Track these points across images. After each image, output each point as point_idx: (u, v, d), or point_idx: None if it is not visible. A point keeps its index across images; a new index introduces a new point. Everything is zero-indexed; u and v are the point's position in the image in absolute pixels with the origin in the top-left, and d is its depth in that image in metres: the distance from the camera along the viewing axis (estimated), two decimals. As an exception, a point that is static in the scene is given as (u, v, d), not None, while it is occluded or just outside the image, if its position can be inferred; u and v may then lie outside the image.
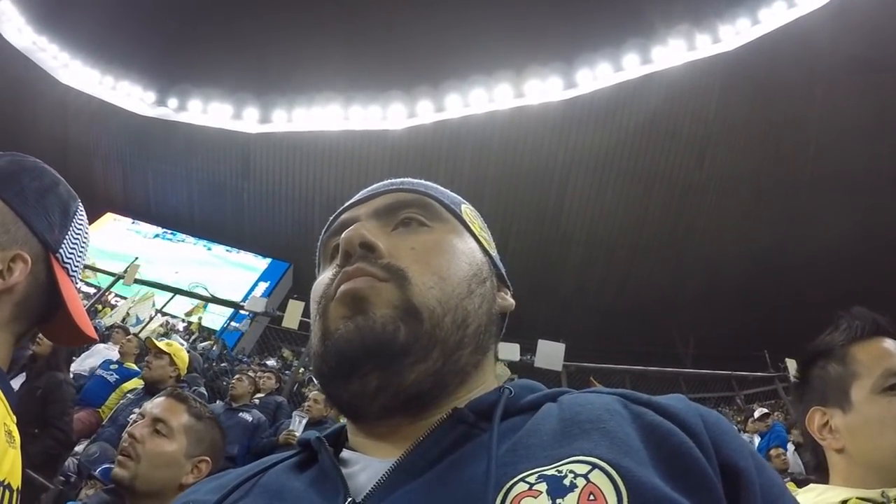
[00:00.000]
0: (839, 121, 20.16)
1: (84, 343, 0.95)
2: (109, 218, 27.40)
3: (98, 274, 13.24)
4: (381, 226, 0.64)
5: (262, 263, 26.48)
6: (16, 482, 0.81)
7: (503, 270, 0.75)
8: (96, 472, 2.59)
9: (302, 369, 12.06)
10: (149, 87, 25.98)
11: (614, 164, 22.73)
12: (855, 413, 1.08)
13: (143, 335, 9.91)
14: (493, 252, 0.74)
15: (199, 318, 16.64)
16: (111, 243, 25.18)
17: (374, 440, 0.58)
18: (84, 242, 0.98)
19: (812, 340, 1.22)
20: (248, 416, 5.10)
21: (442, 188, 0.77)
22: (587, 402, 0.54)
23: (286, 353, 20.28)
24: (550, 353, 8.67)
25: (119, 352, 6.35)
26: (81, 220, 0.99)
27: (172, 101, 25.79)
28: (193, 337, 14.92)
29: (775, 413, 12.49)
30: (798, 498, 1.11)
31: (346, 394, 0.57)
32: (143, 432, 1.49)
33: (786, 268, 23.27)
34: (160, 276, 20.96)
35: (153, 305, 11.90)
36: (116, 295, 12.05)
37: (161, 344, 4.35)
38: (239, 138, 25.04)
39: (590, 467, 0.44)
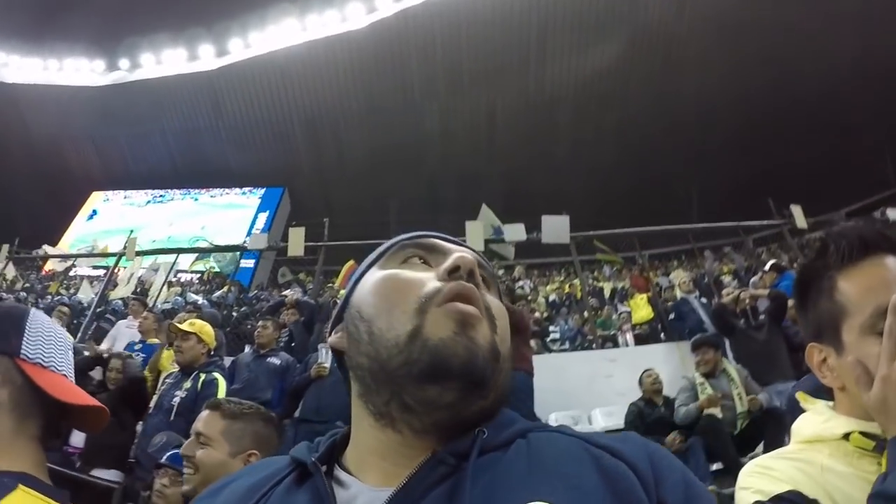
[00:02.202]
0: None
1: (106, 420, 1.05)
2: (97, 197, 27.19)
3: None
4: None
5: (251, 199, 26.42)
6: None
7: None
8: (164, 460, 2.71)
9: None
10: (95, 55, 25.07)
11: (591, 20, 21.92)
12: (849, 355, 0.96)
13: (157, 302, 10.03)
14: None
15: (211, 268, 16.77)
16: (110, 221, 25.27)
17: (372, 457, 0.62)
18: (47, 333, 1.07)
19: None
20: (276, 360, 5.15)
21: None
22: (552, 443, 0.60)
23: (301, 275, 20.64)
24: (556, 228, 8.63)
25: (139, 331, 6.45)
26: (36, 319, 1.07)
27: (124, 62, 24.98)
28: (207, 288, 15.07)
29: (784, 257, 12.61)
30: (805, 416, 1.05)
31: (416, 394, 0.60)
32: (191, 448, 1.70)
33: (780, 109, 22.68)
34: (161, 238, 21.15)
35: (157, 269, 11.96)
36: (123, 268, 12.11)
37: (185, 326, 4.31)
38: (202, 79, 24.35)
39: None
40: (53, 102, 25.10)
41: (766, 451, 3.20)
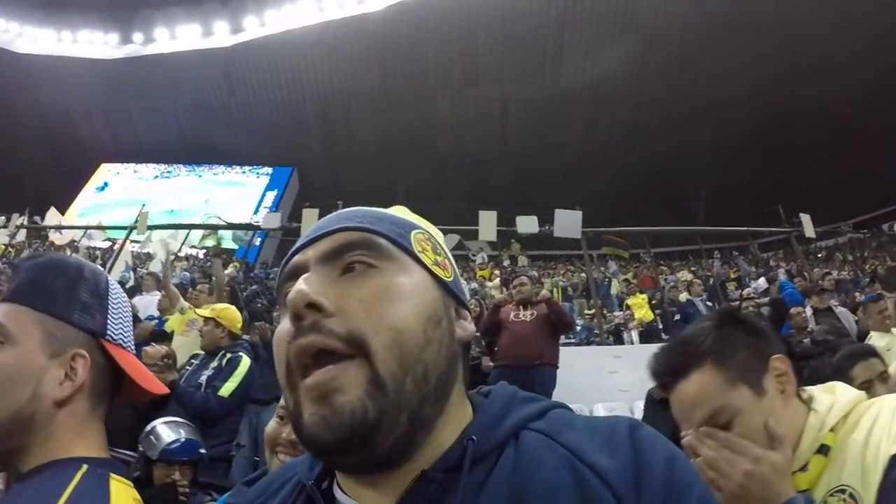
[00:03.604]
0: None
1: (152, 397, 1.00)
2: (104, 169, 27.26)
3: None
4: (329, 271, 0.62)
5: (250, 177, 26.63)
6: None
7: (463, 294, 0.70)
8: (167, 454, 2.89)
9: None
10: (110, 28, 25.00)
11: (609, 18, 21.83)
12: None
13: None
14: (451, 277, 0.69)
15: (219, 241, 16.77)
16: (120, 193, 25.40)
17: (359, 486, 0.60)
18: (125, 307, 1.01)
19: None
20: None
21: (392, 215, 0.72)
22: (538, 466, 0.57)
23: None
24: (569, 222, 8.66)
25: (158, 309, 6.59)
26: (115, 291, 1.00)
27: (138, 35, 24.89)
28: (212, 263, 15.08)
29: (790, 265, 12.57)
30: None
31: (325, 462, 0.61)
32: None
33: (795, 114, 22.57)
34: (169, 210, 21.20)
35: (165, 246, 11.96)
36: (132, 241, 12.13)
37: (204, 312, 4.37)
38: (216, 55, 24.27)
39: None
40: (66, 74, 25.04)
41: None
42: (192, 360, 4.29)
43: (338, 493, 0.62)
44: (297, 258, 0.66)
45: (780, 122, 22.91)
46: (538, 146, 25.33)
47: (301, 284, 0.59)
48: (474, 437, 0.59)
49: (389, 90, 24.39)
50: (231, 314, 4.39)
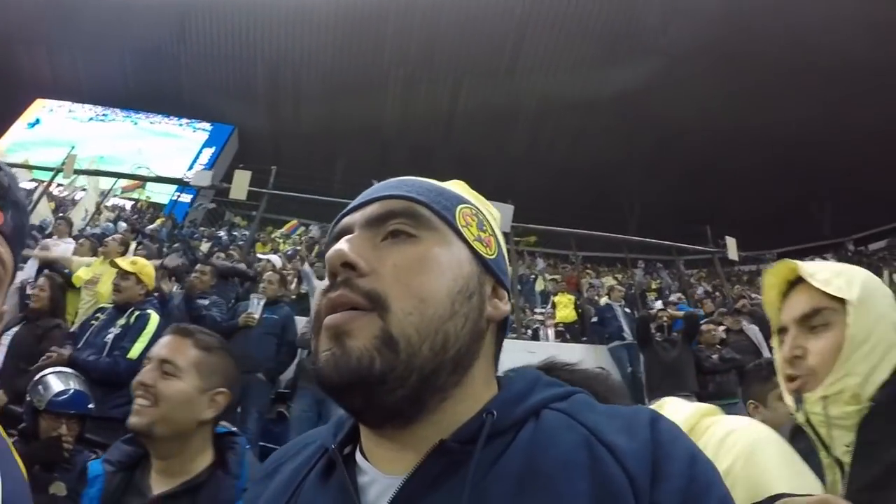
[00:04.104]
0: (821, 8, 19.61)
1: None
2: (39, 105, 25.79)
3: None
4: (372, 236, 0.66)
5: (186, 130, 25.83)
6: None
7: (504, 274, 0.71)
8: (55, 405, 2.75)
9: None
10: None
11: (574, 20, 22.09)
12: None
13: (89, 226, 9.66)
14: (493, 255, 0.71)
15: (148, 197, 16.16)
16: (51, 132, 24.13)
17: (377, 447, 0.63)
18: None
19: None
20: (204, 301, 5.18)
21: (441, 187, 0.74)
22: (555, 440, 0.58)
23: (237, 219, 20.19)
24: (500, 215, 8.73)
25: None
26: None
27: (92, -37, 23.35)
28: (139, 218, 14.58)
29: (712, 284, 13.04)
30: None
31: (340, 405, 0.62)
32: (153, 376, 1.45)
33: (742, 145, 23.51)
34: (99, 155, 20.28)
35: (84, 189, 11.49)
36: (58, 185, 11.56)
37: (125, 264, 4.17)
38: (171, 1, 23.16)
39: None
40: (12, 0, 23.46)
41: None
42: (98, 314, 4.09)
43: (358, 459, 0.65)
44: (344, 221, 0.70)
45: (721, 148, 23.83)
46: (483, 139, 25.48)
47: (341, 244, 0.63)
48: (494, 412, 0.60)
49: (343, 63, 24.01)
50: (151, 271, 4.27)
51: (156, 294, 4.57)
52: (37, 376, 2.91)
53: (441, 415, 0.61)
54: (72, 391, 2.86)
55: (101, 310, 4.18)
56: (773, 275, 1.16)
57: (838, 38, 19.45)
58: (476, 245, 0.68)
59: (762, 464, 0.92)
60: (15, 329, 4.20)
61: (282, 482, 0.68)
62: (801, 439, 1.07)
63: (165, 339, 1.54)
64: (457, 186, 0.78)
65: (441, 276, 0.63)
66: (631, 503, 0.53)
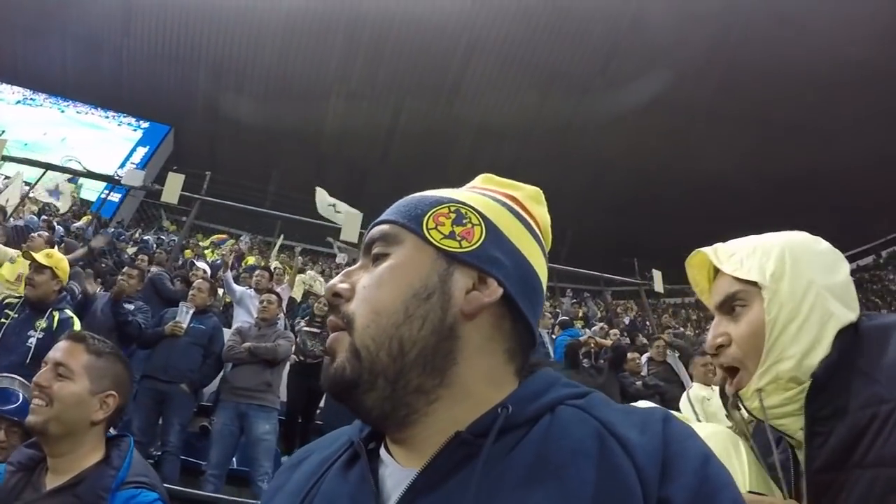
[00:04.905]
0: (751, 62, 20.86)
1: None
2: (-31, 82, 24.22)
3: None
4: (366, 262, 0.73)
5: (115, 125, 24.90)
6: None
7: (489, 262, 0.70)
8: None
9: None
10: None
11: (518, 54, 22.59)
12: None
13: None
14: (473, 246, 0.70)
15: (78, 191, 15.41)
16: None
17: (394, 444, 0.68)
18: None
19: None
20: (130, 306, 4.90)
21: (426, 195, 0.76)
22: (567, 434, 0.61)
23: (166, 223, 19.52)
24: (352, 224, 8.96)
25: None
26: None
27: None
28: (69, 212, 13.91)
29: (637, 314, 13.43)
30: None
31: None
32: (48, 378, 1.57)
33: (668, 185, 24.63)
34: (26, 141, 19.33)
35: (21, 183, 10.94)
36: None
37: (40, 256, 3.92)
38: (119, -9, 22.43)
39: None
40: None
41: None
42: (7, 311, 3.78)
43: (382, 453, 0.68)
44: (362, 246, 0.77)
45: (652, 185, 24.87)
46: (420, 161, 25.59)
47: (336, 278, 0.72)
48: (509, 406, 0.63)
49: (287, 73, 23.82)
50: (66, 266, 4.04)
51: (66, 290, 4.34)
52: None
53: (438, 416, 0.64)
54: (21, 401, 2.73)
55: (9, 306, 3.86)
56: (691, 266, 1.15)
57: (770, 92, 20.72)
58: (444, 243, 0.69)
59: None
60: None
61: (307, 471, 0.73)
62: (760, 432, 1.04)
63: (61, 344, 1.67)
64: (488, 181, 0.86)
65: (394, 286, 0.66)
66: (637, 494, 0.54)
